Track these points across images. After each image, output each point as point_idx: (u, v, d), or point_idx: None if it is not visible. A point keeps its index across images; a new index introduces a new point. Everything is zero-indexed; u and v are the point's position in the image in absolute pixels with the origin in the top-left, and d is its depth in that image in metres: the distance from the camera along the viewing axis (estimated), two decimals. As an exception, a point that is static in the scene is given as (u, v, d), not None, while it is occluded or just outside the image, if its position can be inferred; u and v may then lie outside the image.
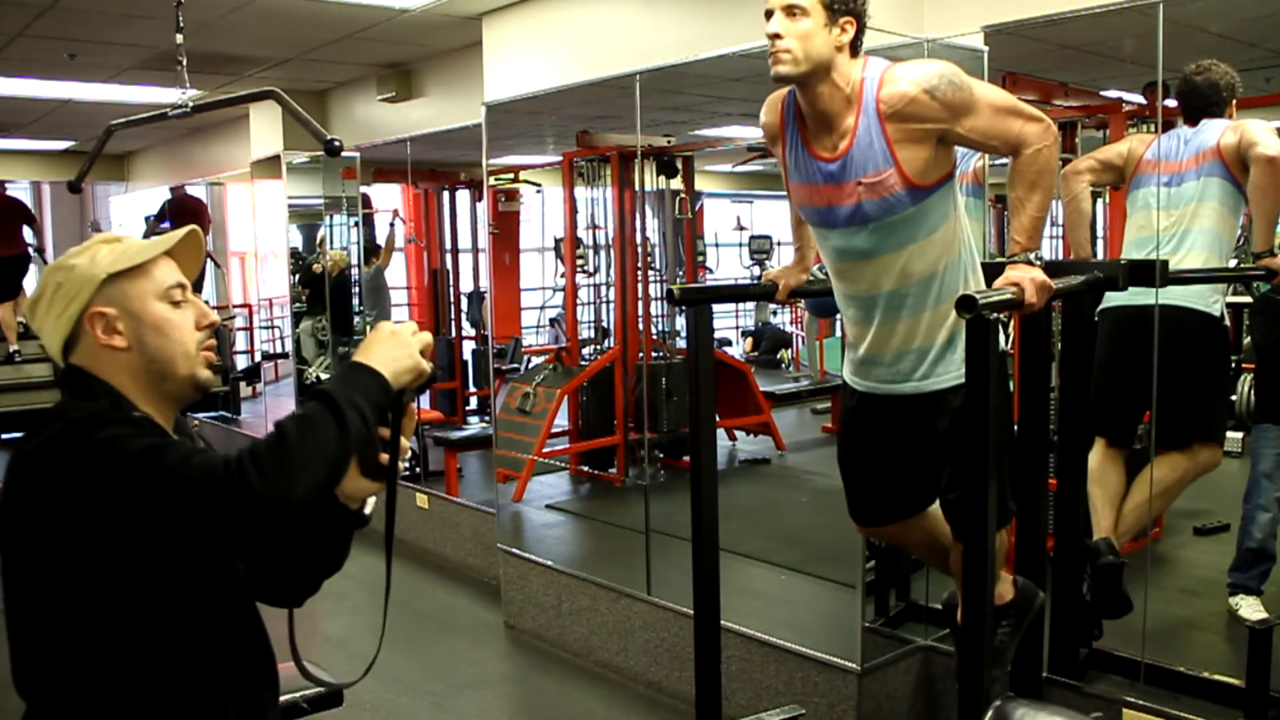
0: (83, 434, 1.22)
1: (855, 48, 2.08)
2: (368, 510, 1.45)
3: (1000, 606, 2.32)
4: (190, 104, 3.56)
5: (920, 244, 2.12)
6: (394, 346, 1.32)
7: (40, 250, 8.98)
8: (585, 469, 5.94)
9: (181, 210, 8.38)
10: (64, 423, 1.26)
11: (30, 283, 9.35)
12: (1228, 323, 2.99)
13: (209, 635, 1.35)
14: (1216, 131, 2.89)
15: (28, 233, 8.76)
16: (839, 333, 4.77)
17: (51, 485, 1.22)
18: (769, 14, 2.05)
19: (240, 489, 1.14)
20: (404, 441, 1.40)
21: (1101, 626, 2.89)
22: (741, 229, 11.19)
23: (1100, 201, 3.70)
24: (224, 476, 1.15)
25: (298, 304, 7.08)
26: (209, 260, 8.70)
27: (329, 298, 6.66)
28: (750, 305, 11.00)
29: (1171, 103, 3.06)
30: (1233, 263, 3.05)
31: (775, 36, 2.03)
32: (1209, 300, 2.91)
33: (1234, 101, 2.94)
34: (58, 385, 1.38)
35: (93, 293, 1.33)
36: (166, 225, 8.27)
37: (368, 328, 6.67)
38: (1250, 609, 3.13)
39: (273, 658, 1.48)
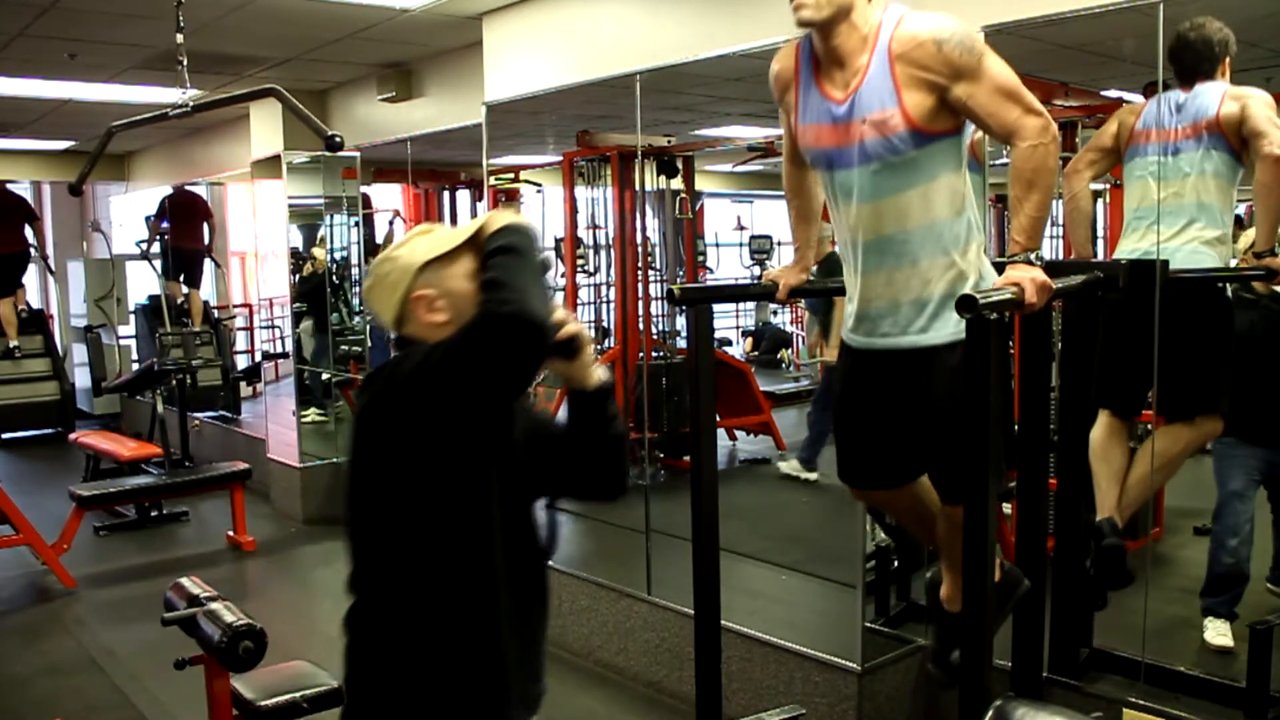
0: (394, 370, 1.53)
1: None
2: (603, 376, 1.66)
3: None
4: (190, 104, 3.58)
5: (920, 189, 2.12)
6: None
7: (40, 249, 8.99)
8: (585, 469, 5.92)
9: (181, 206, 8.38)
10: (387, 373, 1.55)
11: (30, 280, 9.39)
12: (1230, 293, 2.94)
13: (503, 566, 1.58)
14: (1214, 98, 2.77)
15: (28, 231, 8.77)
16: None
17: (379, 422, 1.52)
18: None
19: (503, 317, 1.39)
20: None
21: (1106, 597, 2.86)
22: (741, 229, 11.18)
23: (1100, 201, 3.70)
24: (484, 318, 1.40)
25: (298, 304, 7.08)
26: (209, 259, 8.72)
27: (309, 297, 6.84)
28: (750, 305, 11.00)
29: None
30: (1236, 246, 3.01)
31: None
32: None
33: (1227, 59, 2.83)
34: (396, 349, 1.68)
35: (413, 279, 1.58)
36: (165, 225, 8.28)
37: (368, 327, 6.68)
38: (1216, 633, 3.07)
39: (548, 605, 1.71)
